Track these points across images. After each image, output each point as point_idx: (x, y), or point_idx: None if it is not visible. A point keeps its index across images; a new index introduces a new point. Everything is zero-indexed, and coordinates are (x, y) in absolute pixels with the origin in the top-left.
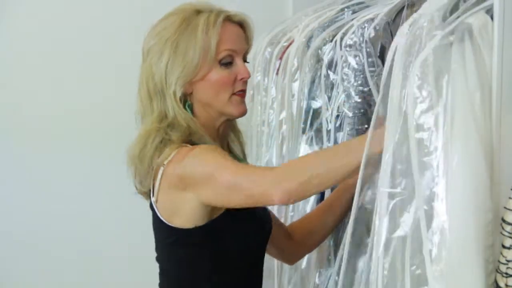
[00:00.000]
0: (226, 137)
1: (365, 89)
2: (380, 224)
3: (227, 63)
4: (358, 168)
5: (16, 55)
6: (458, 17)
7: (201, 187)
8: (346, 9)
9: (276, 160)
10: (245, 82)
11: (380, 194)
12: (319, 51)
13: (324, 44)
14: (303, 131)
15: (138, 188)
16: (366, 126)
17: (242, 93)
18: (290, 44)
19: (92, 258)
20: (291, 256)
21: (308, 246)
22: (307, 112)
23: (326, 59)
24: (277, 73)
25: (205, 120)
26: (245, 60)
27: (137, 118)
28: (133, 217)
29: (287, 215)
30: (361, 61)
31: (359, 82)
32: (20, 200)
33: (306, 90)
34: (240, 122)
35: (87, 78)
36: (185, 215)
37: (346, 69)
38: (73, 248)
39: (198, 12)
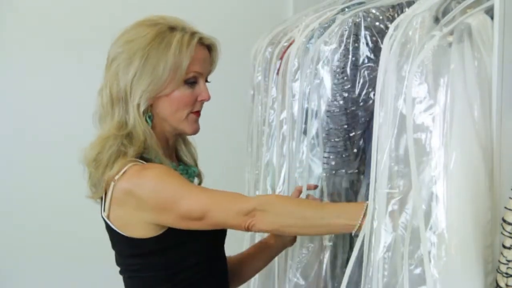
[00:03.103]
0: (176, 147)
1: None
2: (379, 225)
3: (191, 83)
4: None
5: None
6: (454, 17)
7: (160, 212)
8: (346, 9)
9: (276, 160)
10: (203, 104)
11: (378, 195)
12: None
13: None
14: (304, 132)
15: (92, 192)
16: (345, 125)
17: (198, 112)
18: (291, 44)
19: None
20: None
21: (242, 279)
22: (307, 112)
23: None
24: (277, 73)
25: (159, 130)
26: (206, 80)
27: (95, 119)
28: None
29: None
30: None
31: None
32: (20, 200)
33: (307, 90)
34: (240, 122)
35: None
36: (141, 228)
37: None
38: (74, 248)
39: (172, 29)
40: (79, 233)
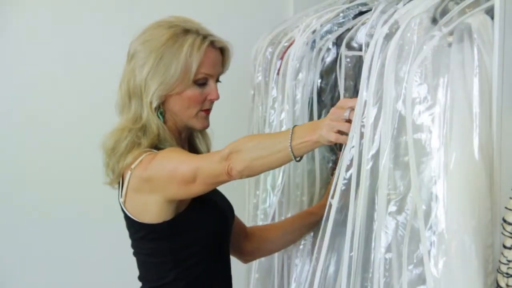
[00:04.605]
0: (193, 137)
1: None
2: (379, 225)
3: (201, 84)
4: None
5: (16, 57)
6: (452, 17)
7: (166, 185)
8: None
9: None
10: (213, 102)
11: (378, 196)
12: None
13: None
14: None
15: (109, 179)
16: None
17: (208, 110)
18: (291, 44)
19: (92, 257)
20: (244, 255)
21: (261, 251)
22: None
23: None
24: (278, 73)
25: (171, 124)
26: (217, 80)
27: (116, 109)
28: None
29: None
30: None
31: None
32: (20, 199)
33: (307, 90)
34: (240, 122)
35: (88, 78)
36: (153, 213)
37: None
38: (74, 247)
39: (186, 31)
40: (79, 233)
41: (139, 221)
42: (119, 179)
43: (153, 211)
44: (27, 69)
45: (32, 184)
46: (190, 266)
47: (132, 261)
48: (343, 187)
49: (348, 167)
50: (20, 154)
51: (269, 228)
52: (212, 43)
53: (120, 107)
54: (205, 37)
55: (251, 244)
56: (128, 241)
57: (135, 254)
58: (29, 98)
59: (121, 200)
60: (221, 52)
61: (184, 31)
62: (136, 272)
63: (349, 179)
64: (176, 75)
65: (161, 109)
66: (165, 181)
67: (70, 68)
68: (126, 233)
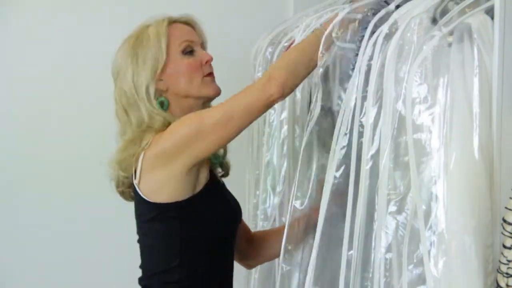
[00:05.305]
0: None
1: None
2: (379, 226)
3: (189, 52)
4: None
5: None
6: (452, 17)
7: (190, 143)
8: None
9: (276, 160)
10: (211, 65)
11: (378, 196)
12: None
13: None
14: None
15: (122, 183)
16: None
17: (211, 74)
18: (291, 44)
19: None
20: (247, 260)
21: (263, 256)
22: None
23: None
24: None
25: (179, 111)
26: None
27: (118, 139)
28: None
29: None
30: None
31: None
32: (20, 199)
33: (307, 90)
34: None
35: (88, 78)
36: (169, 191)
37: None
38: (74, 247)
39: (146, 27)
40: (79, 232)
41: (152, 201)
42: (132, 170)
43: (169, 187)
44: (27, 69)
45: (32, 184)
46: (196, 255)
47: (132, 262)
48: (334, 187)
49: (338, 167)
50: (20, 153)
51: (270, 233)
52: (175, 20)
53: (121, 131)
54: (163, 19)
55: (253, 248)
56: (129, 242)
57: (141, 239)
58: (29, 98)
59: (135, 182)
60: (189, 25)
61: (144, 28)
62: (136, 272)
63: (340, 178)
64: (157, 57)
65: (161, 97)
66: (188, 140)
67: (70, 68)
68: (126, 233)
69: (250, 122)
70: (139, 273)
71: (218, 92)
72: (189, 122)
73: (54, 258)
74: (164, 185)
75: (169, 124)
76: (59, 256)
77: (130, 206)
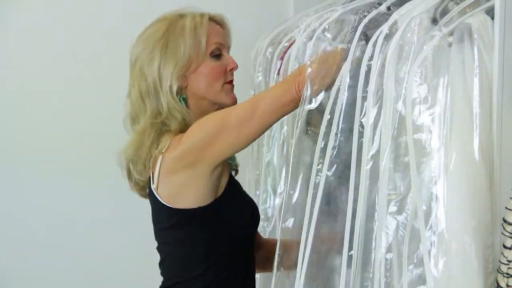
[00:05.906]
0: None
1: None
2: (380, 226)
3: (217, 55)
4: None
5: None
6: (452, 18)
7: (213, 141)
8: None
9: (277, 160)
10: (233, 74)
11: (379, 196)
12: None
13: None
14: (306, 132)
15: (136, 182)
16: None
17: (231, 82)
18: (291, 44)
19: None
20: (256, 265)
21: (270, 263)
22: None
23: None
24: (278, 74)
25: (196, 110)
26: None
27: (126, 123)
28: (135, 216)
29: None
30: None
31: None
32: (20, 199)
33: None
34: None
35: (88, 78)
36: (190, 196)
37: None
38: (74, 247)
39: (181, 16)
40: (79, 232)
41: (173, 207)
42: (149, 174)
43: (191, 192)
44: (26, 69)
45: (32, 184)
46: (220, 260)
47: (133, 262)
48: (326, 186)
49: (330, 166)
50: (20, 153)
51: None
52: (212, 18)
53: (133, 117)
54: (202, 14)
55: (263, 253)
56: (129, 243)
57: (160, 246)
58: (29, 98)
59: (153, 186)
60: (221, 26)
61: (179, 16)
62: (136, 273)
63: (332, 177)
64: (187, 52)
65: (183, 94)
66: (211, 138)
67: (70, 68)
68: (127, 233)
69: (277, 119)
70: (139, 272)
71: (234, 102)
72: (214, 118)
73: (54, 258)
74: (186, 189)
75: (184, 122)
76: (59, 256)
77: (130, 206)
